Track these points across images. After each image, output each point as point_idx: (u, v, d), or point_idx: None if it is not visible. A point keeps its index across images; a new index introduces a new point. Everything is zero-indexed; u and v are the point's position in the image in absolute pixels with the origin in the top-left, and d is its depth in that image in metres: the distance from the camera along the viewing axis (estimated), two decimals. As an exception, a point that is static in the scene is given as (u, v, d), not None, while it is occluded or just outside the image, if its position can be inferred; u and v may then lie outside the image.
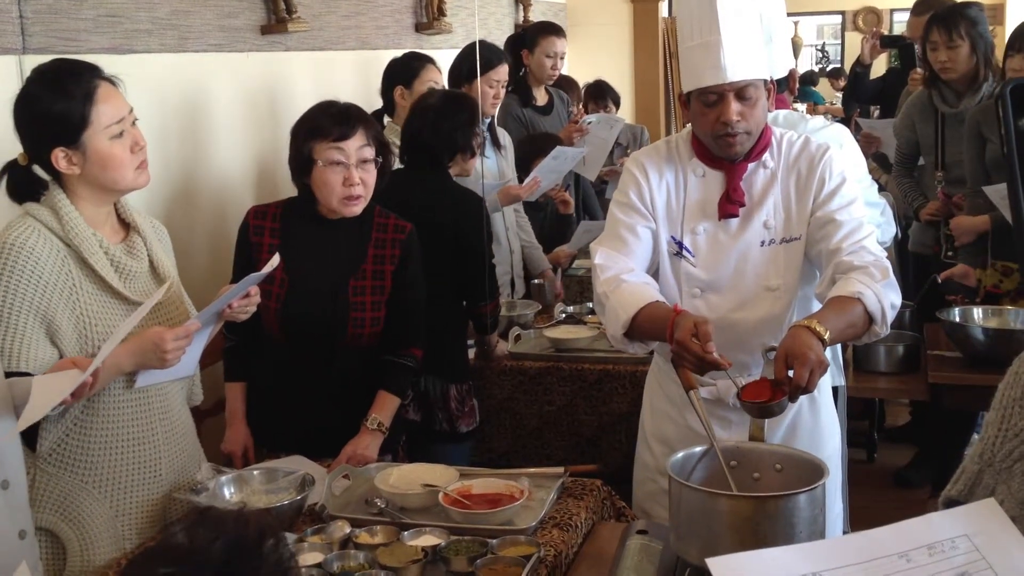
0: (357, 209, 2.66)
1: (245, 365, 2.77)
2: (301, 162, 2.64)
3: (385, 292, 2.71)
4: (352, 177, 2.61)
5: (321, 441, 2.62)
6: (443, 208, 3.22)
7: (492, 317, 3.41)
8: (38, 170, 2.19)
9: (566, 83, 5.41)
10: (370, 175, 2.65)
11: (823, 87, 11.35)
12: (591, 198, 4.99)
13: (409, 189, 3.22)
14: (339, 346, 2.68)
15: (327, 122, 2.62)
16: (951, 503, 1.38)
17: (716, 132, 2.24)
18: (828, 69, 12.11)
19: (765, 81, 2.25)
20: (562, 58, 4.90)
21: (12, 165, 2.19)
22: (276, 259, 2.34)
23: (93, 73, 2.15)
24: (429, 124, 3.30)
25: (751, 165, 2.31)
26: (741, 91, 2.20)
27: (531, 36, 4.93)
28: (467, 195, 3.31)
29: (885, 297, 2.08)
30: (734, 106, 2.20)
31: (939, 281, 3.73)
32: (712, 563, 1.26)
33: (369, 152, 2.64)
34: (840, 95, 9.53)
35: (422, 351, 2.81)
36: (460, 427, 3.30)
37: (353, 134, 2.61)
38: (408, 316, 2.76)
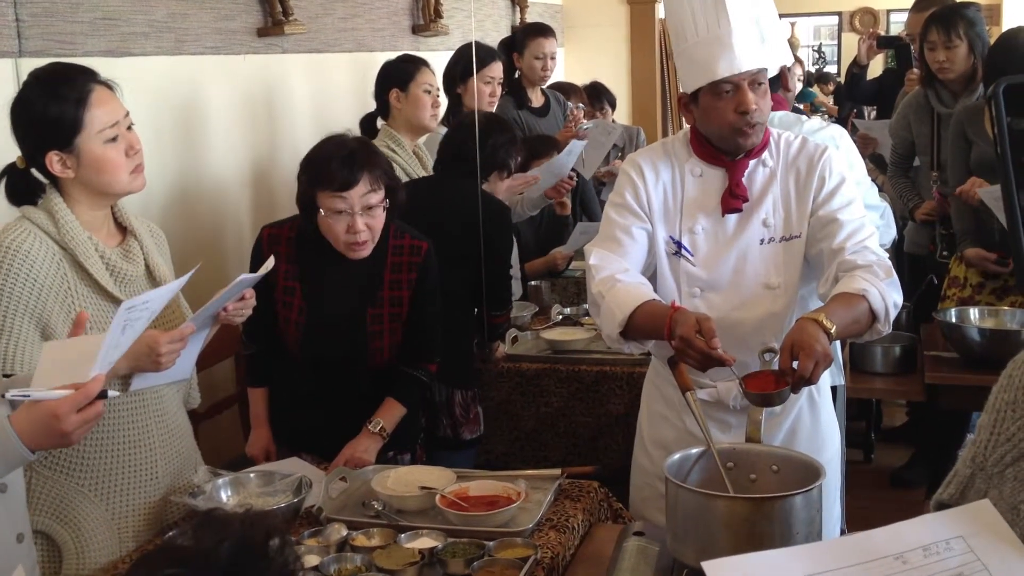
0: (363, 253, 2.60)
1: (266, 371, 2.80)
2: (307, 205, 2.59)
3: (403, 317, 2.70)
4: (355, 225, 2.53)
5: (334, 440, 2.62)
6: (473, 213, 3.24)
7: (505, 325, 3.47)
8: (36, 173, 2.19)
9: (567, 87, 5.39)
10: (377, 219, 2.58)
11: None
12: (591, 200, 4.97)
13: (441, 193, 3.28)
14: (359, 370, 2.70)
15: (331, 170, 2.52)
16: (942, 507, 1.38)
17: (736, 124, 2.22)
18: (816, 73, 12.04)
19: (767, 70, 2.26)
20: (552, 59, 4.89)
21: (10, 168, 2.19)
22: (271, 262, 2.34)
23: (88, 77, 2.15)
24: (473, 138, 3.35)
25: (751, 163, 2.30)
26: (754, 79, 2.21)
27: (520, 38, 4.93)
28: (497, 203, 3.39)
29: (889, 295, 2.09)
30: (751, 95, 2.21)
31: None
32: (708, 566, 1.26)
33: (375, 197, 2.55)
34: (830, 100, 9.54)
35: (436, 366, 2.82)
36: (463, 434, 3.30)
37: (356, 182, 2.51)
38: (425, 332, 2.76)
